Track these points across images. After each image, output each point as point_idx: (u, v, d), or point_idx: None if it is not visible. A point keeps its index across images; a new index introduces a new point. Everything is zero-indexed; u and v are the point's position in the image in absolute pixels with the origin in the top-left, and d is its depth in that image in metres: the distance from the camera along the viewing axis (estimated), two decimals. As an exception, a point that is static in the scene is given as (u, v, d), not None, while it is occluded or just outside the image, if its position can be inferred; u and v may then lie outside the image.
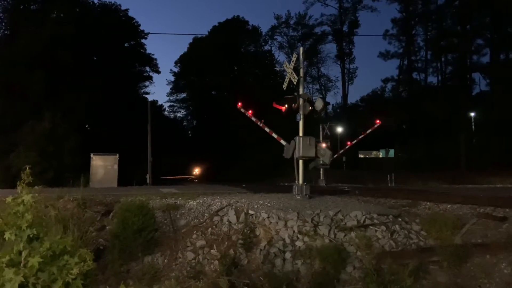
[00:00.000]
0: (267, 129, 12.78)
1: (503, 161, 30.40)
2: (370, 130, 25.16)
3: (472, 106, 41.06)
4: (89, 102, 31.58)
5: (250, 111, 13.13)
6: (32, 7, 37.22)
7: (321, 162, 10.93)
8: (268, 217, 7.88)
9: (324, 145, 11.39)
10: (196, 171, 62.65)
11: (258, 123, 12.92)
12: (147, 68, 54.07)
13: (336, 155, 24.48)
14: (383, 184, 25.72)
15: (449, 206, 9.63)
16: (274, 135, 12.47)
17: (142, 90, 55.07)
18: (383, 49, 71.95)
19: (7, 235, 2.98)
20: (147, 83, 55.46)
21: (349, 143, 27.77)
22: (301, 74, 10.91)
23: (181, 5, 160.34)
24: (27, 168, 3.19)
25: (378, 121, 24.54)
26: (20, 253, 2.98)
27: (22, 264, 2.93)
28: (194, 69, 58.05)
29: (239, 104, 13.37)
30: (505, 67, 40.09)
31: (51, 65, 29.63)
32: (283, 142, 11.57)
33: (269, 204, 8.71)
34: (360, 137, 26.49)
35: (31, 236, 3.04)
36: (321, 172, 23.48)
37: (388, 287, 5.74)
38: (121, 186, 20.69)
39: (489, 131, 37.55)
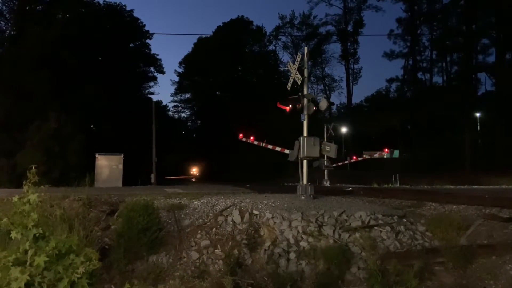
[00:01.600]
0: (270, 146, 12.96)
1: (508, 161, 30.15)
2: (377, 155, 25.08)
3: (477, 106, 40.78)
4: (94, 102, 31.77)
5: (251, 137, 13.39)
6: (38, 8, 37.45)
7: (325, 163, 10.91)
8: (272, 217, 7.88)
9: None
10: (194, 170, 62.75)
11: (261, 144, 13.14)
12: (152, 69, 54.32)
13: (341, 163, 24.55)
14: (387, 184, 25.60)
15: (454, 206, 9.56)
16: (278, 148, 12.58)
17: (147, 91, 55.36)
18: (387, 49, 71.55)
19: (13, 234, 3.00)
20: (151, 83, 55.71)
21: (354, 157, 27.81)
22: (305, 74, 10.89)
23: (186, 6, 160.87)
24: (33, 167, 3.21)
25: (386, 149, 24.44)
26: (26, 252, 3.00)
27: (28, 263, 2.95)
28: (198, 69, 58.18)
29: (241, 135, 13.62)
30: (511, 66, 39.81)
31: (56, 66, 29.79)
32: (287, 151, 11.58)
33: (273, 204, 8.70)
34: (366, 156, 26.40)
35: (37, 235, 3.06)
36: (325, 172, 23.43)
37: (393, 288, 5.73)
38: (126, 185, 20.75)
39: (494, 132, 37.27)
